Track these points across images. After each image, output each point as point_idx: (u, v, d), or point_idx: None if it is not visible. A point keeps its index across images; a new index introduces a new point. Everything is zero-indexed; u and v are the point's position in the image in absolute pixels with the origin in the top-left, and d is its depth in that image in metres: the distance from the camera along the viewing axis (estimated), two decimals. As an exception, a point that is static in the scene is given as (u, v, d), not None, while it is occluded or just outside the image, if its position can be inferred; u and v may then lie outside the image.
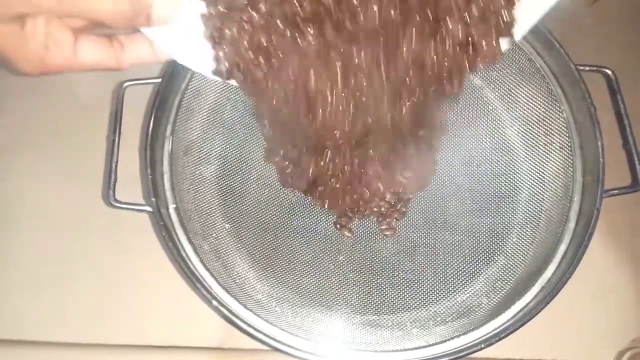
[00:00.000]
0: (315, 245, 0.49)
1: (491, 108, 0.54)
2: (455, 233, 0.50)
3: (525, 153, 0.52)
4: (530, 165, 0.52)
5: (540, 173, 0.51)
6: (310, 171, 0.46)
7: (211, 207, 0.50)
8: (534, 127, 0.52)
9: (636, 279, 0.51)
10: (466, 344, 0.43)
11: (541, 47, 0.51)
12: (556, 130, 0.51)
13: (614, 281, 0.51)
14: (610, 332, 0.49)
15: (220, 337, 0.48)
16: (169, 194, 0.47)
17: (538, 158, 0.52)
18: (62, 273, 0.50)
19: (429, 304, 0.48)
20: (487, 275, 0.48)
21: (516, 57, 0.52)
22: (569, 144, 0.49)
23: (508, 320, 0.44)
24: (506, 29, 0.37)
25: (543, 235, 0.48)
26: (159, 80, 0.48)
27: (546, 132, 0.51)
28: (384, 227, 0.51)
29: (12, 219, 0.52)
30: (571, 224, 0.46)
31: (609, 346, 0.49)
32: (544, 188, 0.50)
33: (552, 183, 0.50)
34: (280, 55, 0.36)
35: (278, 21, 0.35)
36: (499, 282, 0.48)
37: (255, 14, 0.35)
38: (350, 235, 0.50)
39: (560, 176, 0.50)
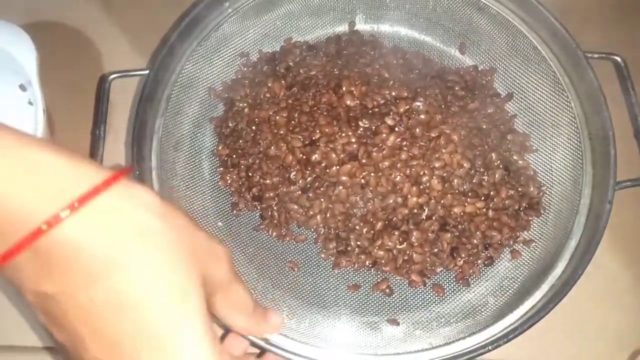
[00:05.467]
0: (311, 244, 0.47)
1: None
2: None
3: (532, 145, 0.50)
4: (537, 158, 0.49)
5: (548, 165, 0.49)
6: None
7: (203, 205, 0.48)
8: (541, 117, 0.50)
9: (650, 276, 0.49)
10: (472, 346, 0.41)
11: (547, 34, 0.49)
12: (564, 121, 0.48)
13: (626, 278, 0.49)
14: (623, 331, 0.47)
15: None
16: (157, 190, 0.44)
17: (545, 150, 0.49)
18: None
19: (432, 304, 0.45)
20: (493, 273, 0.46)
21: (521, 46, 0.50)
22: (578, 135, 0.47)
23: (516, 321, 0.42)
24: None
25: (552, 231, 0.46)
26: (147, 72, 0.46)
27: (553, 123, 0.49)
28: None
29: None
30: (581, 218, 0.44)
31: (622, 346, 0.46)
32: (552, 181, 0.48)
33: (561, 175, 0.48)
34: None
35: None
36: (505, 281, 0.46)
37: None
38: None
39: (569, 168, 0.47)
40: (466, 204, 0.44)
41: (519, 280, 0.45)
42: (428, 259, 0.45)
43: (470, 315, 0.44)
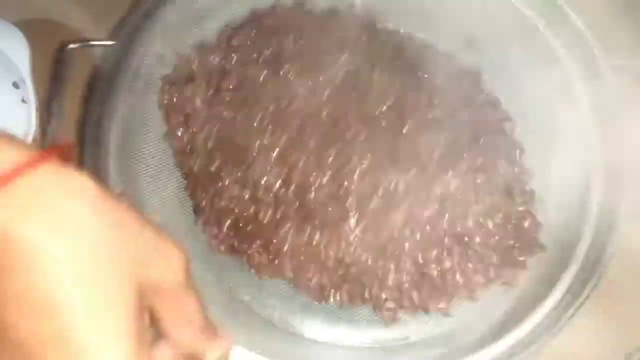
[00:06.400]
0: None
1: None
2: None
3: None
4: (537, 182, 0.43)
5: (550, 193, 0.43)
6: None
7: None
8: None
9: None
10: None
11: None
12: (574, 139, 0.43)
13: (624, 277, 0.44)
14: (621, 330, 0.44)
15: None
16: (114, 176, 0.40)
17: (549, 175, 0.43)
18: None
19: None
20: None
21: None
22: (588, 159, 0.42)
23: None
24: None
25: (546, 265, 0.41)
26: (112, 42, 0.41)
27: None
28: None
29: None
30: (583, 249, 0.40)
31: (619, 345, 0.44)
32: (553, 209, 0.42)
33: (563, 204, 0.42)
34: None
35: None
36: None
37: None
38: None
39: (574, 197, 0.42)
40: (444, 255, 0.38)
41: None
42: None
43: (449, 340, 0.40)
